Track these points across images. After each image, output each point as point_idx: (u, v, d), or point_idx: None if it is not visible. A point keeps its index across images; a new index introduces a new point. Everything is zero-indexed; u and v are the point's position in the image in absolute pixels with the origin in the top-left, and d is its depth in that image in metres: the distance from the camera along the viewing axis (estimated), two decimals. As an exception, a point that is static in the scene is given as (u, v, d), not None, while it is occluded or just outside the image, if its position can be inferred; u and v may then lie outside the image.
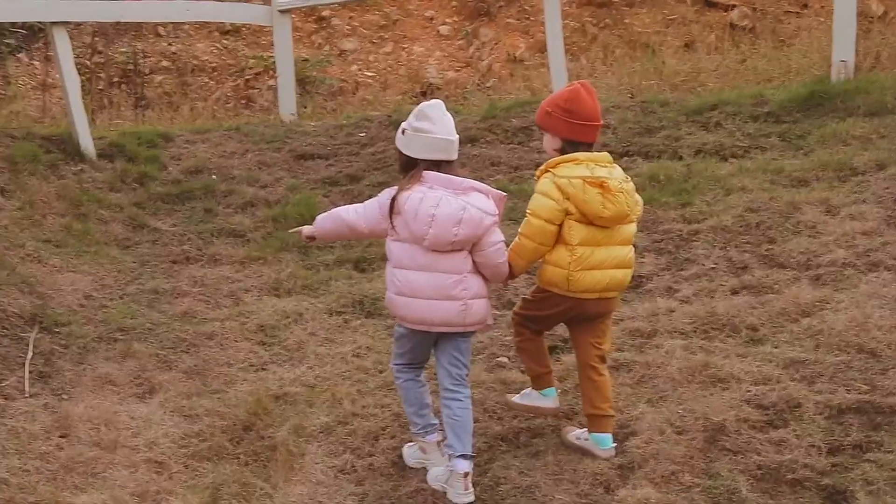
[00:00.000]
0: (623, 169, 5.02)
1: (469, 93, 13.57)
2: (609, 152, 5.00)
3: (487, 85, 14.27)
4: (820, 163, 7.89)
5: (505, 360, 6.00)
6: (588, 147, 4.89)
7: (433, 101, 4.87)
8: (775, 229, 7.08)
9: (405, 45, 16.17)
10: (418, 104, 4.90)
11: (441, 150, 4.75)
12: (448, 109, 4.87)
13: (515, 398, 5.33)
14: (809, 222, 7.05)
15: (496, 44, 15.80)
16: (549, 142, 4.96)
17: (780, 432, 4.92)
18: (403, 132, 4.78)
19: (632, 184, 4.93)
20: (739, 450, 4.85)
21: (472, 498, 4.77)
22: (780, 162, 8.14)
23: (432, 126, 4.71)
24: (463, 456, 4.79)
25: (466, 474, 4.76)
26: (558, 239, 4.84)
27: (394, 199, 4.74)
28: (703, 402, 5.20)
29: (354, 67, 15.66)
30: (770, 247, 6.88)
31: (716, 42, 13.34)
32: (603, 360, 5.04)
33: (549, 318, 5.07)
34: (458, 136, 4.83)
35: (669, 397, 5.33)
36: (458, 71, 15.46)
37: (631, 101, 9.63)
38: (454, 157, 4.79)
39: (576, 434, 5.09)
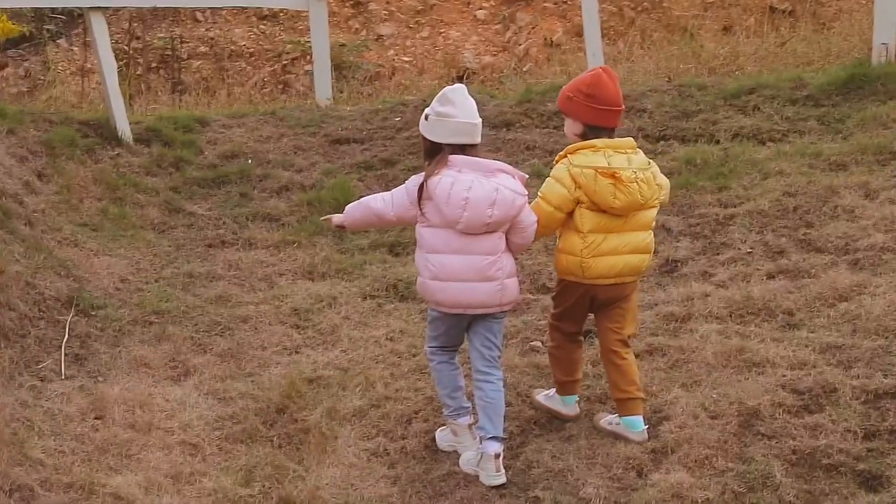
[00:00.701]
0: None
1: (505, 77, 13.52)
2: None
3: (524, 69, 14.21)
4: (859, 146, 7.80)
5: (538, 343, 5.97)
6: (610, 132, 4.90)
7: (456, 85, 4.89)
8: (813, 213, 7.01)
9: (442, 30, 16.13)
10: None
11: (465, 133, 4.76)
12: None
13: (539, 396, 5.31)
14: (848, 206, 6.98)
15: (533, 28, 15.73)
16: (571, 126, 4.97)
17: (815, 417, 4.88)
18: (427, 118, 4.79)
19: (654, 169, 4.92)
20: (774, 434, 4.81)
21: (503, 479, 4.76)
22: (818, 146, 8.05)
23: (455, 110, 4.73)
24: (494, 438, 4.79)
25: (498, 455, 4.76)
26: (570, 226, 4.86)
27: (422, 185, 4.75)
28: (737, 387, 5.16)
29: (391, 52, 15.65)
30: (807, 231, 6.81)
31: (755, 25, 13.19)
32: (625, 343, 5.02)
33: (573, 310, 5.06)
34: (481, 119, 4.85)
35: (704, 382, 5.29)
36: (494, 55, 15.41)
37: (668, 85, 9.55)
38: (478, 140, 4.82)
39: (607, 420, 5.07)
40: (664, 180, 5.00)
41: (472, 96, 4.83)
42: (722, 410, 5.01)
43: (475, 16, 16.33)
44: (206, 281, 6.95)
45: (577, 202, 4.81)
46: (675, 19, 14.73)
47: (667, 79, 10.14)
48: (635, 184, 4.78)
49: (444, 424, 5.17)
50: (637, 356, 5.62)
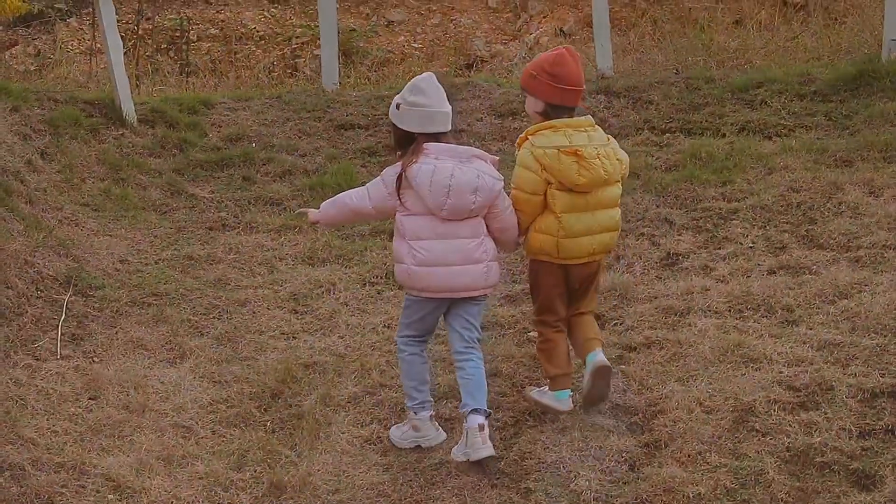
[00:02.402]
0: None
1: (515, 65, 13.47)
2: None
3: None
4: (865, 143, 7.75)
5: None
6: (570, 111, 5.03)
7: (425, 74, 4.98)
8: (817, 209, 6.97)
9: (453, 17, 16.08)
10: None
11: (438, 122, 4.87)
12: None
13: (533, 392, 5.29)
14: (852, 203, 6.93)
15: (544, 17, 15.67)
16: (532, 104, 5.11)
17: (810, 414, 4.86)
18: (398, 107, 4.86)
19: (614, 144, 5.06)
20: (768, 431, 4.79)
21: (491, 451, 4.74)
22: (824, 141, 8.00)
23: (427, 99, 4.84)
24: (476, 410, 4.78)
25: (482, 426, 4.74)
26: (546, 206, 4.96)
27: (401, 175, 4.79)
28: (733, 382, 5.15)
29: (402, 38, 15.60)
30: (810, 227, 6.77)
31: (767, 19, 13.13)
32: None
33: (550, 297, 5.10)
34: (451, 107, 4.96)
35: (700, 376, 5.27)
36: (505, 44, 15.35)
37: (676, 77, 9.49)
38: (449, 127, 4.93)
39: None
40: (624, 155, 5.15)
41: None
42: (717, 405, 4.99)
43: (486, 3, 16.28)
44: (206, 264, 6.93)
45: (548, 183, 4.91)
46: (687, 11, 14.65)
47: (675, 70, 10.09)
48: (597, 160, 4.91)
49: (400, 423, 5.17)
50: (633, 349, 5.61)
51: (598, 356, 5.01)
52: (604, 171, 4.91)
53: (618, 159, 5.03)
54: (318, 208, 5.13)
